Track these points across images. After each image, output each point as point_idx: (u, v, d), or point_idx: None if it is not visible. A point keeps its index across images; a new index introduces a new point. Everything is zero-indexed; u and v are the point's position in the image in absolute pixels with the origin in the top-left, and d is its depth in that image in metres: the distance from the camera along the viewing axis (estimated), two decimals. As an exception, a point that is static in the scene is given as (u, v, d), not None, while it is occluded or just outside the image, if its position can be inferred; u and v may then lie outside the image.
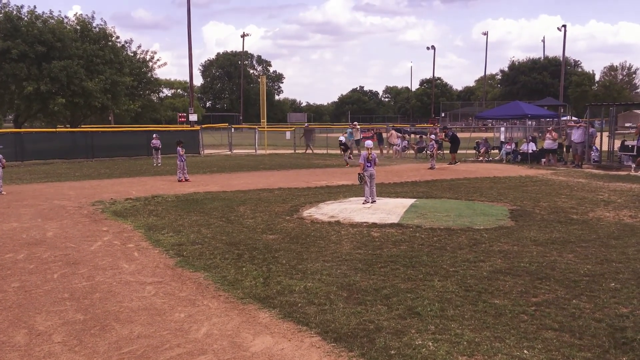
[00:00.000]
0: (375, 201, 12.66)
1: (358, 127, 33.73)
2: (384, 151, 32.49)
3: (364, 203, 12.59)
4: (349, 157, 25.42)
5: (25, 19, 32.37)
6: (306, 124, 43.81)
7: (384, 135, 33.88)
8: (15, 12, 32.26)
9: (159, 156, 26.26)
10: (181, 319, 5.70)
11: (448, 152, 26.35)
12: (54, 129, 32.85)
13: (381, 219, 10.89)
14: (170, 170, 22.13)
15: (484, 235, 9.35)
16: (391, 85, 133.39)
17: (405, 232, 9.73)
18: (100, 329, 5.45)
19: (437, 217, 11.03)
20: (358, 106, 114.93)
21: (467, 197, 14.06)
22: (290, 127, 44.63)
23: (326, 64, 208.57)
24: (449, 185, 16.92)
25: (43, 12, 34.06)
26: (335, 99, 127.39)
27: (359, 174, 12.87)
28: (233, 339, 5.16)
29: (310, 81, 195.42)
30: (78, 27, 35.24)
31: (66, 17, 35.93)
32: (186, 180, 18.77)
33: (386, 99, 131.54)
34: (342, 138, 28.10)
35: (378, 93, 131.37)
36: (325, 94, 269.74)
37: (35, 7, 34.29)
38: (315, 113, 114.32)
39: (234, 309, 5.97)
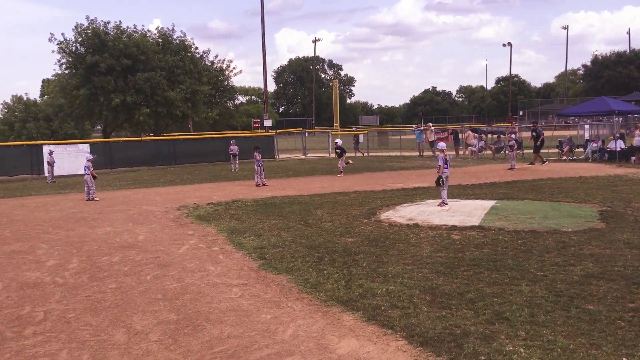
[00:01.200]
0: (447, 203, 12.46)
1: (432, 128, 33.26)
2: (460, 152, 31.83)
3: (440, 205, 12.40)
4: (346, 163, 22.76)
5: (112, 34, 34.27)
6: (354, 128, 43.28)
7: (460, 135, 33.20)
8: (102, 28, 34.23)
9: (237, 162, 27.02)
10: (267, 320, 5.84)
11: (531, 151, 25.43)
12: (139, 138, 34.56)
13: (461, 221, 10.68)
14: (247, 175, 22.71)
15: (573, 238, 8.97)
16: (465, 85, 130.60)
17: (487, 234, 9.50)
18: (193, 329, 5.69)
19: (521, 219, 10.67)
20: (431, 107, 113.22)
21: (551, 199, 13.52)
22: (363, 130, 44.62)
23: (397, 65, 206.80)
24: (531, 186, 16.33)
25: (127, 27, 36.02)
26: (407, 101, 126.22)
27: (438, 176, 12.67)
28: (319, 340, 5.23)
29: (381, 83, 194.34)
30: (160, 40, 36.94)
31: (148, 30, 37.80)
32: (263, 184, 19.19)
33: (460, 99, 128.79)
34: (338, 141, 24.14)
35: (451, 93, 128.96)
36: (397, 96, 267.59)
37: (120, 22, 36.31)
38: (387, 115, 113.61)
39: (318, 311, 6.05)
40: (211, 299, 6.66)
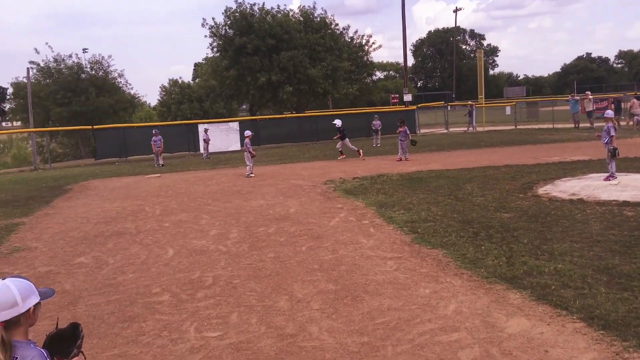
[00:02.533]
0: (616, 177, 11.28)
1: (590, 97, 30.49)
2: (621, 122, 28.86)
3: (607, 179, 11.29)
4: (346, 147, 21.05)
5: (257, 15, 35.67)
6: (470, 103, 40.31)
7: (623, 105, 30.09)
8: (248, 10, 35.76)
9: (379, 137, 26.95)
10: (427, 295, 5.69)
11: None
12: (283, 115, 35.83)
13: (633, 196, 9.64)
14: (389, 150, 22.55)
15: None
16: (625, 50, 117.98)
17: (667, 212, 8.47)
18: (352, 299, 5.71)
19: None
20: (584, 75, 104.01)
21: None
22: (510, 102, 42.22)
23: (545, 32, 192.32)
24: None
25: (272, 8, 37.26)
26: (557, 69, 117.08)
27: (613, 147, 11.34)
28: (484, 318, 4.98)
29: (527, 52, 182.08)
30: (301, 19, 37.77)
31: (291, 10, 38.84)
32: (406, 159, 18.92)
33: (619, 65, 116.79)
34: (337, 122, 21.64)
35: (609, 59, 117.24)
36: (545, 65, 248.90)
37: (264, 3, 37.70)
38: (534, 86, 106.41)
39: (480, 287, 5.78)
40: (367, 271, 6.66)
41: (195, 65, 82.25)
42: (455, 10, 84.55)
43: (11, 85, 42.09)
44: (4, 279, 2.33)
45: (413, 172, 15.48)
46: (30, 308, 2.34)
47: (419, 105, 38.98)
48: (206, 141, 26.99)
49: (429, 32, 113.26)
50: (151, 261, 7.73)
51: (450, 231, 8.22)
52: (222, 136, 29.79)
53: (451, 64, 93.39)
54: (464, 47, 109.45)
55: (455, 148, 22.84)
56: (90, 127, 30.40)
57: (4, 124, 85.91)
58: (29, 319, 2.36)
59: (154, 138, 23.76)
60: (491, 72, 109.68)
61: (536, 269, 6.15)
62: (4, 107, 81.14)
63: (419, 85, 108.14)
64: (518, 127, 34.03)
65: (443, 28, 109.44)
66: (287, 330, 5.03)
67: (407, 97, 41.37)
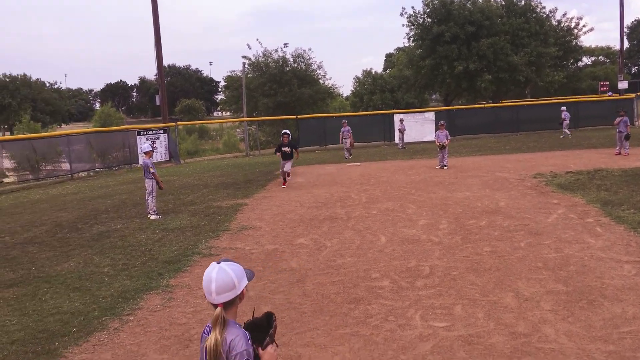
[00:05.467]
0: None
1: None
2: None
3: None
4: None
5: (456, 2, 34.73)
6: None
7: None
8: (448, -2, 35.01)
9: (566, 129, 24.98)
10: (680, 307, 5.03)
11: None
12: (481, 105, 34.55)
13: None
14: (604, 142, 20.48)
15: None
16: None
17: None
18: (588, 303, 5.28)
19: None
20: None
21: None
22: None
23: None
24: None
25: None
26: None
27: None
28: None
29: None
30: (503, 3, 35.90)
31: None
32: (626, 154, 17.01)
33: None
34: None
35: None
36: None
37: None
38: None
39: None
40: (600, 273, 6.10)
41: (387, 56, 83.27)
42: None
43: (224, 79, 46.78)
44: (218, 262, 2.52)
45: (636, 167, 13.85)
46: (243, 290, 2.52)
47: (638, 94, 34.72)
48: (401, 131, 27.15)
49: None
50: (366, 247, 7.99)
51: (698, 237, 7.18)
52: (417, 126, 29.74)
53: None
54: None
55: (687, 141, 19.92)
56: (294, 116, 32.46)
57: (215, 113, 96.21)
58: (240, 299, 2.54)
59: (343, 129, 24.07)
60: None
61: None
62: (216, 98, 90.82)
63: (632, 72, 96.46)
64: None
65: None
66: (519, 329, 4.82)
67: (623, 85, 37.19)
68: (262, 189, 14.59)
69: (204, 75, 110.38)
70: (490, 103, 38.19)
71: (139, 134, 25.23)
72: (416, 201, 11.36)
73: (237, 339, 2.42)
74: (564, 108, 26.66)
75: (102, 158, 24.65)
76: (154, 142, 25.09)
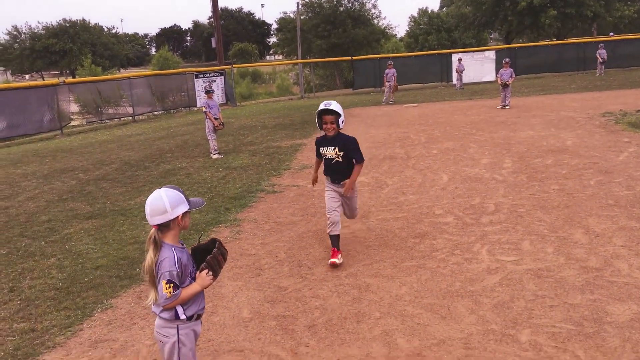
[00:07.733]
0: None
1: None
2: None
3: None
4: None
5: None
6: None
7: None
8: None
9: (602, 69, 23.58)
10: None
11: None
12: (545, 42, 32.96)
13: None
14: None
15: None
16: None
17: None
18: (664, 240, 5.15)
19: None
20: None
21: None
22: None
23: None
24: None
25: None
26: None
27: None
28: None
29: None
30: None
31: None
32: None
33: None
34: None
35: None
36: None
37: None
38: None
39: None
40: (677, 212, 5.90)
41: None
42: None
43: (276, 21, 46.27)
44: (160, 188, 2.65)
45: None
46: (178, 215, 2.65)
47: None
48: (459, 71, 26.36)
49: None
50: (427, 185, 7.97)
51: None
52: (476, 66, 28.76)
53: None
54: None
55: None
56: (349, 57, 31.98)
57: (267, 57, 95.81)
58: (178, 224, 2.67)
59: (387, 70, 21.86)
60: None
61: None
62: (269, 42, 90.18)
63: None
64: None
65: None
66: (590, 264, 4.77)
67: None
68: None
69: (257, 17, 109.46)
70: (553, 40, 36.40)
71: (196, 76, 25.53)
72: (477, 141, 11.15)
73: (165, 260, 2.60)
74: (601, 45, 26.28)
75: (161, 101, 25.21)
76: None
